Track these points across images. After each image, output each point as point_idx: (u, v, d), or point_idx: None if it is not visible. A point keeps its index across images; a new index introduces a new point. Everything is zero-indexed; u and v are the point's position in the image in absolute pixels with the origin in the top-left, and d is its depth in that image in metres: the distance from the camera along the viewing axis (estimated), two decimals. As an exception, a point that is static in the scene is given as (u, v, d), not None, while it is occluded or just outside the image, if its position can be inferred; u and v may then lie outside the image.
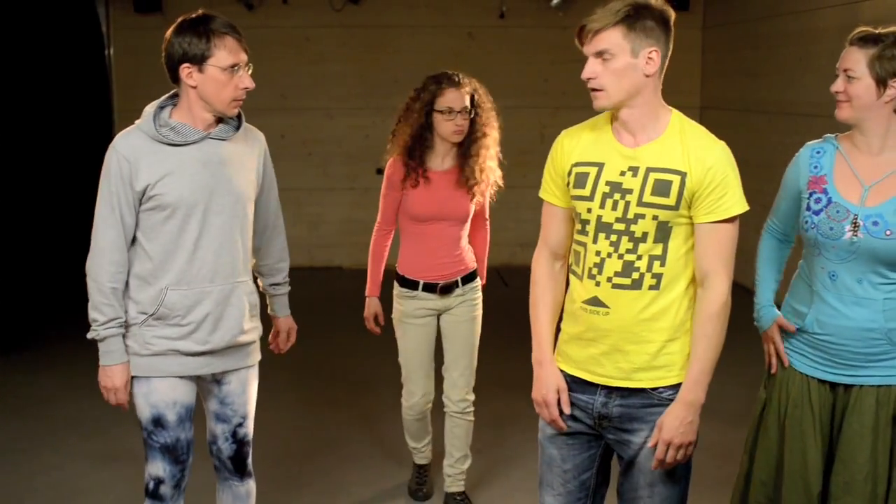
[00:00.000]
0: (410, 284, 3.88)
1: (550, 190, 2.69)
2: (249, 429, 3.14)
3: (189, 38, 2.80)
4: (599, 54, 2.44)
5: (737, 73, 8.10)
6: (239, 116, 2.97)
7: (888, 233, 2.68)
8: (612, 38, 2.43)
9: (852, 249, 2.71)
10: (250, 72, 2.91)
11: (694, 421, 2.50)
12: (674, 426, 2.49)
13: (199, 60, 2.80)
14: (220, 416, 3.08)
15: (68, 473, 4.47)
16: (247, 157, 2.99)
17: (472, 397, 3.99)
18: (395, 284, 3.93)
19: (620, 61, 2.44)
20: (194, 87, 2.82)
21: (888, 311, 2.73)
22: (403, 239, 3.93)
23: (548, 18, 8.59)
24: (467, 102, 3.75)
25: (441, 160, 3.84)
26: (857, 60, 2.73)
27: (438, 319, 3.97)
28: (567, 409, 2.64)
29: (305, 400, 5.48)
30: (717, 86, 8.67)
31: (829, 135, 2.92)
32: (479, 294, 4.00)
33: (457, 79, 3.77)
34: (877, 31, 2.75)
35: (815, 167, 2.84)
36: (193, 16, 2.85)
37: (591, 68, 2.45)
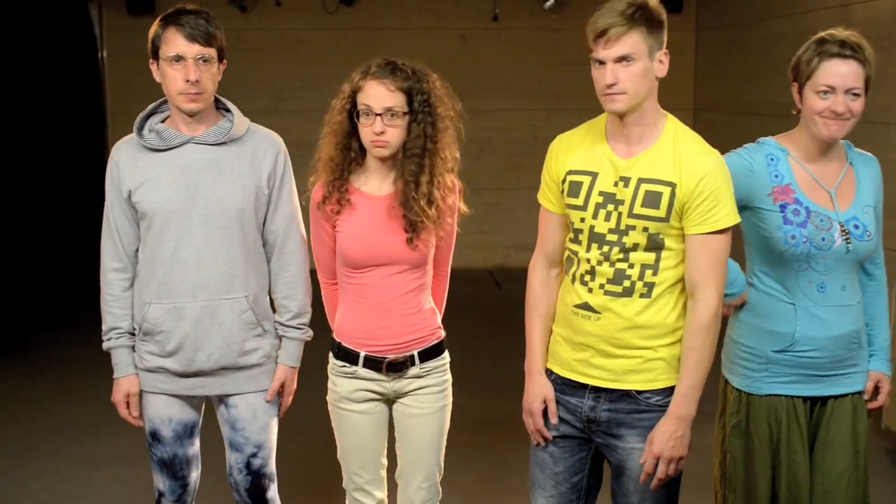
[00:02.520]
0: (348, 357, 2.84)
1: (546, 195, 2.67)
2: (267, 460, 2.92)
3: (154, 31, 2.73)
4: (621, 59, 2.39)
5: (730, 76, 8.11)
6: (231, 119, 2.82)
7: (868, 234, 2.69)
8: (634, 42, 2.39)
9: (843, 257, 2.67)
10: (216, 68, 2.73)
11: (685, 435, 2.49)
12: (664, 440, 2.48)
13: (156, 54, 2.72)
14: (232, 443, 2.90)
15: (63, 477, 4.46)
16: (242, 164, 2.78)
17: None
18: (330, 356, 2.91)
19: (640, 65, 2.40)
20: (161, 84, 2.75)
21: (859, 313, 2.76)
22: (342, 294, 2.89)
23: (541, 21, 8.59)
24: (396, 102, 2.66)
25: (378, 182, 2.79)
26: (857, 75, 2.60)
27: (390, 406, 2.93)
28: (554, 420, 2.63)
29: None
30: (710, 88, 8.67)
31: (764, 138, 2.80)
32: (448, 376, 2.92)
33: (390, 66, 2.70)
34: (838, 37, 2.64)
35: (776, 176, 2.71)
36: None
37: (614, 74, 2.39)
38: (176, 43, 2.67)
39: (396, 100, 2.67)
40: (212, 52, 2.71)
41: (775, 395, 2.74)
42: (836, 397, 2.75)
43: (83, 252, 7.87)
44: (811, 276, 2.69)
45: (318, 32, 8.58)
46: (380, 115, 2.66)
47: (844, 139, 2.75)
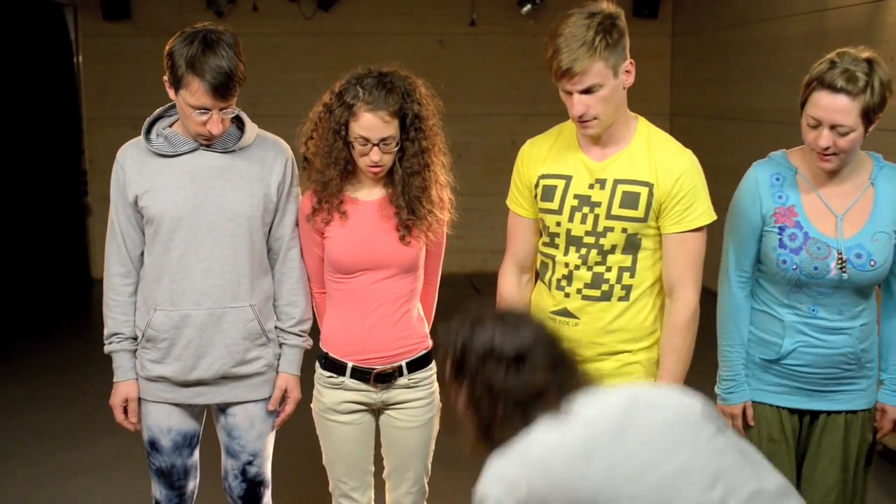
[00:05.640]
0: (334, 367, 2.80)
1: (517, 200, 2.68)
2: (262, 468, 2.91)
3: (175, 58, 2.58)
4: (587, 90, 2.38)
5: (706, 81, 8.16)
6: (242, 126, 2.77)
7: (873, 263, 2.57)
8: (597, 70, 2.36)
9: (838, 285, 2.58)
10: (231, 114, 2.67)
11: None
12: None
13: (175, 85, 2.61)
14: (228, 449, 2.89)
15: (40, 485, 4.42)
16: (252, 171, 2.73)
17: None
18: (317, 366, 2.88)
19: (608, 88, 2.40)
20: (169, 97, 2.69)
21: (863, 334, 2.67)
22: (329, 301, 2.85)
23: (518, 26, 8.62)
24: (392, 131, 2.64)
25: (369, 188, 2.77)
26: (845, 111, 2.43)
27: (377, 416, 2.90)
28: None
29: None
30: (686, 93, 8.72)
31: (775, 153, 2.71)
32: (435, 386, 2.87)
33: (380, 92, 2.63)
34: (842, 64, 2.44)
35: (780, 197, 2.62)
36: (198, 29, 2.62)
37: (583, 103, 2.39)
38: (199, 96, 2.57)
39: (392, 129, 2.64)
40: (233, 101, 2.64)
41: (758, 403, 2.73)
42: (829, 413, 2.70)
43: (60, 258, 7.84)
44: (802, 298, 2.63)
45: (295, 38, 8.57)
46: (377, 144, 2.64)
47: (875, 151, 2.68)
